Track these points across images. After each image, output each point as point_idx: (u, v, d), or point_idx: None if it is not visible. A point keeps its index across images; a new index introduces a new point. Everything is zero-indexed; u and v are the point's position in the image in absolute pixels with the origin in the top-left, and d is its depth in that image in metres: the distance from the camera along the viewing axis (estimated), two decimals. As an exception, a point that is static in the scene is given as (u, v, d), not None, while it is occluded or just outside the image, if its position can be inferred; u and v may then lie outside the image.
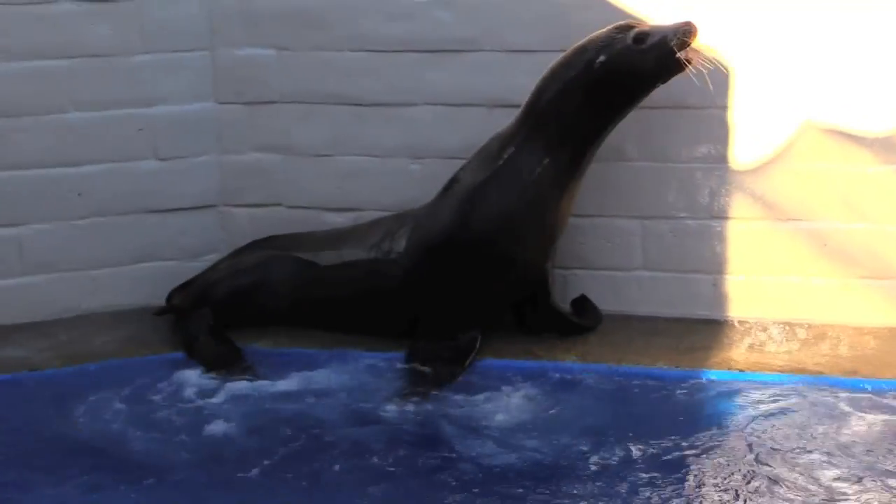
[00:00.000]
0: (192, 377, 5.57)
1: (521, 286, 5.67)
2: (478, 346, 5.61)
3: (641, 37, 5.24)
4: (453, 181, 5.64)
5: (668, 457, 4.83)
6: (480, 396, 5.31)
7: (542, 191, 5.48)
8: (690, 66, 5.20)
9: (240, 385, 5.49)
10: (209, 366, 5.66)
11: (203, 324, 5.85)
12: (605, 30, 5.38)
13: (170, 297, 6.00)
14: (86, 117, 6.03)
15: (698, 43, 5.21)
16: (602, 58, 5.29)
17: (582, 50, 5.36)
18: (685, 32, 5.18)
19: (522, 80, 5.88)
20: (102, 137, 6.06)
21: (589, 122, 5.41)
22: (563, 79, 5.38)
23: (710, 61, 5.23)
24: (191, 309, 5.92)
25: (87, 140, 6.05)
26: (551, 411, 5.20)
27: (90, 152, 6.06)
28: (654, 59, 5.23)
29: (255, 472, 4.84)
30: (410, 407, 5.27)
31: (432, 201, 5.73)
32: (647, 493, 4.57)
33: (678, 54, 5.16)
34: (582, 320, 5.85)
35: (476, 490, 4.66)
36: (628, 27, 5.31)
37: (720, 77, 5.76)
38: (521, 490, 4.65)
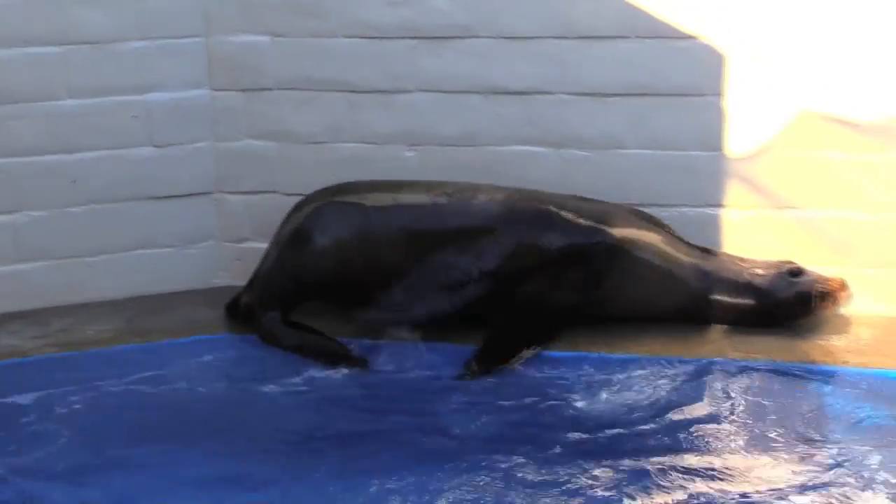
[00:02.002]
0: (181, 366, 5.56)
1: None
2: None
3: (796, 272, 5.65)
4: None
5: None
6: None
7: None
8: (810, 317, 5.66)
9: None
10: (316, 357, 5.59)
11: (276, 320, 5.77)
12: (775, 260, 5.72)
13: (236, 301, 5.97)
14: (80, 104, 6.02)
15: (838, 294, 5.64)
16: (761, 270, 5.68)
17: (741, 260, 5.75)
18: (826, 292, 5.62)
19: (519, 67, 5.92)
20: (97, 124, 6.06)
21: None
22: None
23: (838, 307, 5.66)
24: (259, 303, 5.82)
25: (82, 127, 6.04)
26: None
27: (85, 139, 6.06)
28: (794, 293, 5.63)
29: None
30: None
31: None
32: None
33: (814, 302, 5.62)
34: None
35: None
36: (795, 266, 5.68)
37: (717, 64, 5.78)
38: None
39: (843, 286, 5.63)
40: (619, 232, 5.67)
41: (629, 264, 5.64)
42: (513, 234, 5.62)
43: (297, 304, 5.82)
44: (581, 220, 5.66)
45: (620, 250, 5.64)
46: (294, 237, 5.82)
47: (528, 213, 5.67)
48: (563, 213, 5.67)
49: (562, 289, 5.62)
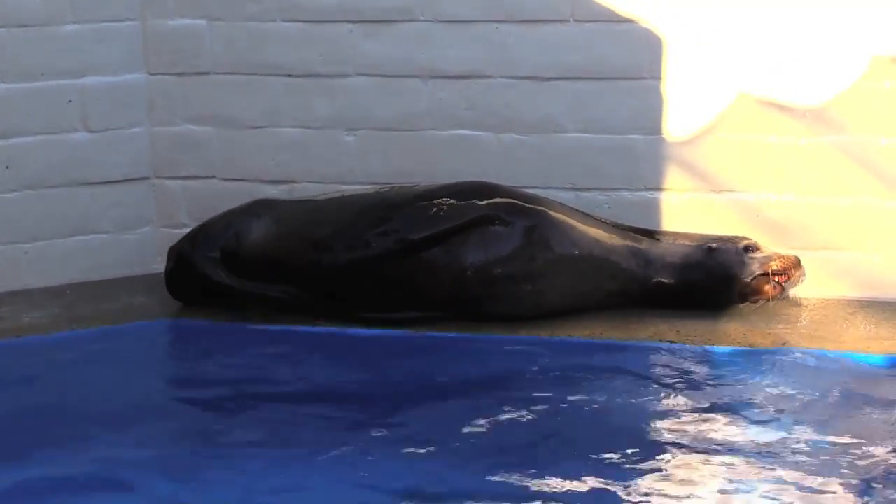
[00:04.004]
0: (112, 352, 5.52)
1: None
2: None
3: (751, 248, 5.68)
4: None
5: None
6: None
7: None
8: (763, 295, 5.68)
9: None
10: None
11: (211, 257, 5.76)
12: (735, 236, 5.74)
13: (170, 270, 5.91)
14: (14, 88, 5.94)
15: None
16: (714, 244, 5.68)
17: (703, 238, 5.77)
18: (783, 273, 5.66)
19: (458, 50, 5.92)
20: (31, 109, 5.98)
21: None
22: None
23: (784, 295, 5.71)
24: (196, 240, 5.80)
25: (16, 112, 5.96)
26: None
27: (19, 124, 5.98)
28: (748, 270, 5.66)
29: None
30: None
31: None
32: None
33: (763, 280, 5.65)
34: None
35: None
36: (752, 242, 5.72)
37: (655, 48, 5.81)
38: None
39: (797, 264, 5.66)
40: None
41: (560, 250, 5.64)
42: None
43: (230, 264, 5.75)
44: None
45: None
46: (249, 207, 5.85)
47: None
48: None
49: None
